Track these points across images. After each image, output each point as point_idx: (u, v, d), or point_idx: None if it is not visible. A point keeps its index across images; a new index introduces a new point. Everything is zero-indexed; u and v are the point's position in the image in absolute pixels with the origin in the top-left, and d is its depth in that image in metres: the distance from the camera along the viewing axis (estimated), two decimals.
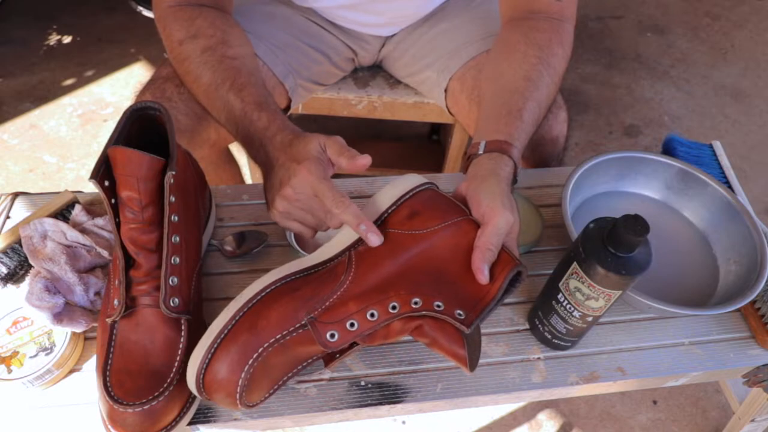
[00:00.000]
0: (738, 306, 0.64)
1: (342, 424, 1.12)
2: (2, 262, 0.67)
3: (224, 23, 0.75)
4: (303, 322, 0.53)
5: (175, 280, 0.57)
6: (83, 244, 0.66)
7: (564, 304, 0.59)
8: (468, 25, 0.96)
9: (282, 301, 0.53)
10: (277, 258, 0.72)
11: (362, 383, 0.62)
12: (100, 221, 0.68)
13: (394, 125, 1.61)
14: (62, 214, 0.71)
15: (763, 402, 0.81)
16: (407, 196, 0.60)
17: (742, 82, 1.93)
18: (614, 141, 1.74)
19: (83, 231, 0.67)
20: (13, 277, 0.68)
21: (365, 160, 0.59)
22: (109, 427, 0.54)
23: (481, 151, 0.65)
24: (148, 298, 0.57)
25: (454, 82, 0.94)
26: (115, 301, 0.57)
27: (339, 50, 1.01)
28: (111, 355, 0.56)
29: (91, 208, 0.71)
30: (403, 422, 1.14)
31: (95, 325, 0.62)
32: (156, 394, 0.53)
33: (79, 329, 0.61)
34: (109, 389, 0.53)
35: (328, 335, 0.52)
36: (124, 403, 0.52)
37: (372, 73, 1.11)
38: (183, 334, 0.57)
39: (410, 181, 0.61)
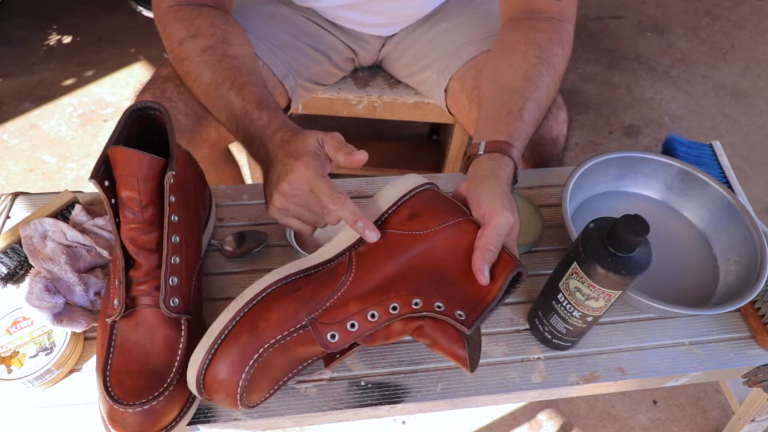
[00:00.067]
0: (738, 306, 0.65)
1: (342, 424, 1.12)
2: (2, 262, 0.67)
3: (224, 23, 0.75)
4: (303, 323, 0.53)
5: (175, 280, 0.57)
6: (83, 244, 0.66)
7: (564, 304, 0.59)
8: (468, 25, 0.96)
9: (282, 301, 0.53)
10: (277, 258, 0.72)
11: (362, 383, 0.62)
12: (100, 221, 0.68)
13: (394, 125, 1.61)
14: (62, 214, 0.71)
15: (763, 402, 0.81)
16: (407, 197, 0.60)
17: (742, 82, 1.93)
18: (614, 141, 1.74)
19: (83, 231, 0.67)
20: (13, 277, 0.68)
21: (362, 155, 0.59)
22: (109, 427, 0.54)
23: (481, 152, 0.65)
24: (148, 298, 0.57)
25: (454, 82, 0.94)
26: (115, 301, 0.57)
27: (339, 50, 1.01)
28: (111, 355, 0.56)
29: (91, 208, 0.71)
30: (403, 422, 1.14)
31: (95, 325, 0.62)
32: (156, 394, 0.53)
33: (79, 329, 0.61)
34: (109, 389, 0.53)
35: (328, 336, 0.52)
36: (124, 403, 0.52)
37: (372, 73, 1.10)
38: (183, 334, 0.57)
39: (410, 181, 0.61)
